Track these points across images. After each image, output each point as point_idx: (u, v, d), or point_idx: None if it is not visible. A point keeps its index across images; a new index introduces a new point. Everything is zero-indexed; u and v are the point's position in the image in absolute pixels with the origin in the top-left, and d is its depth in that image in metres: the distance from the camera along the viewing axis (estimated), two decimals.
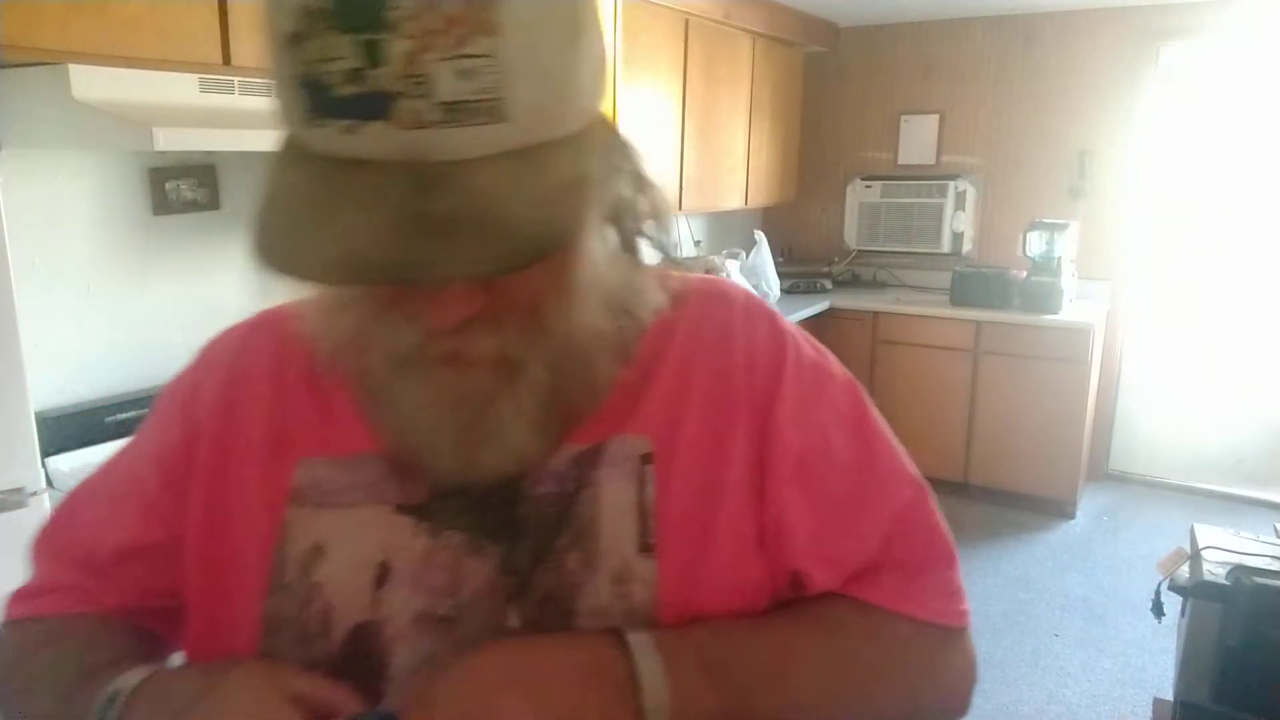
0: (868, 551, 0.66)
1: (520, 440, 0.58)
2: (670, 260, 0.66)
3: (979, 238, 4.57)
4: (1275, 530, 2.18)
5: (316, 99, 0.46)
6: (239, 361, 0.70)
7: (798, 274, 4.56)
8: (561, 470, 0.62)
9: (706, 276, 0.73)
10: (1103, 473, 4.50)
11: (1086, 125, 4.25)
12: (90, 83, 1.62)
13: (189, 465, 0.67)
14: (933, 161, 4.60)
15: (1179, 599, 2.06)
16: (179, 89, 1.76)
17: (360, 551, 0.61)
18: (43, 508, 1.53)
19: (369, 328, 0.57)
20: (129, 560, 0.69)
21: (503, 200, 0.47)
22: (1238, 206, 4.12)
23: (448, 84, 0.45)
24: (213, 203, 2.27)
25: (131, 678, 0.60)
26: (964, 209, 4.51)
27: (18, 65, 1.66)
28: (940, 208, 4.51)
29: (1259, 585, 1.85)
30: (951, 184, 4.49)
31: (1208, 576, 1.92)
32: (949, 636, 0.68)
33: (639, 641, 0.57)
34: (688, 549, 0.61)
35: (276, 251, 0.48)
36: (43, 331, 1.95)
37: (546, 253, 0.47)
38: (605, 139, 0.57)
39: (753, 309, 0.69)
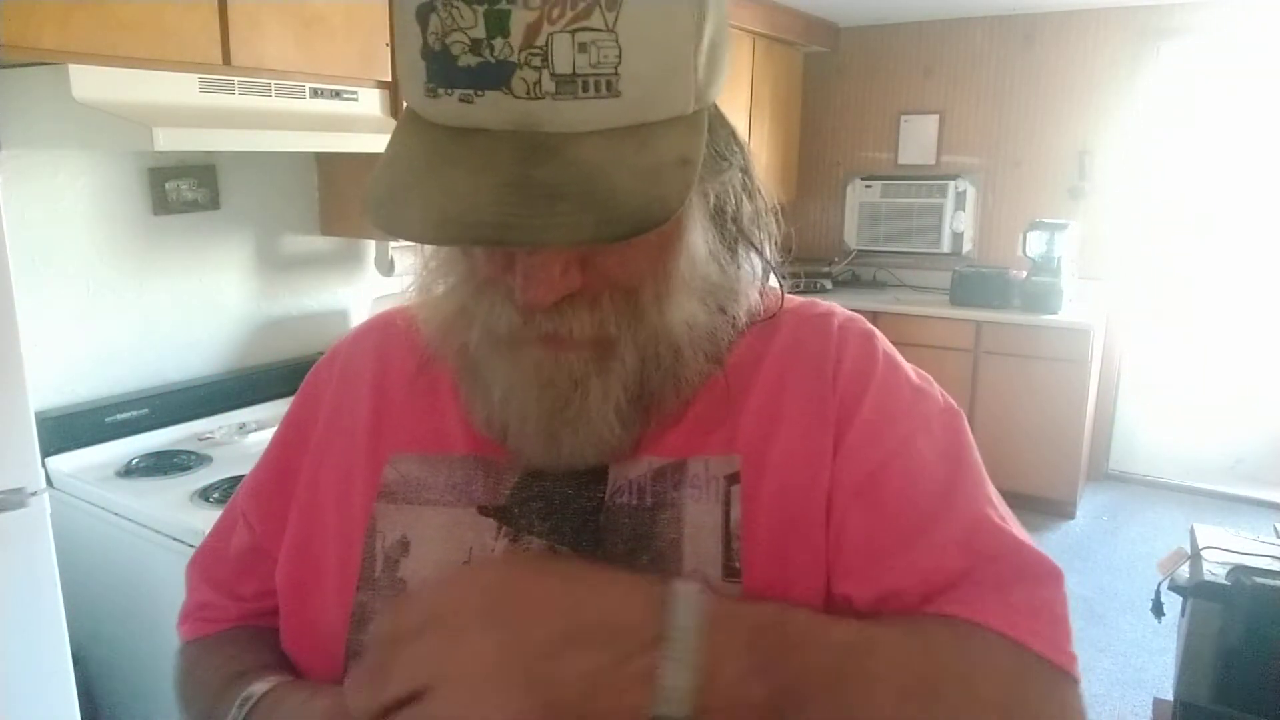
0: (941, 570, 0.57)
1: (603, 427, 0.58)
2: (766, 265, 0.65)
3: (979, 238, 4.57)
4: (1275, 530, 2.18)
5: (438, 70, 0.48)
6: (350, 362, 0.72)
7: (797, 274, 4.53)
8: (642, 482, 0.61)
9: (807, 299, 0.71)
10: (1103, 473, 4.49)
11: (1086, 125, 4.24)
12: (90, 83, 1.62)
13: (298, 464, 0.70)
14: (933, 161, 4.59)
15: (1179, 599, 2.06)
16: (179, 89, 1.76)
17: (444, 550, 0.62)
18: (43, 507, 1.53)
19: (470, 307, 0.57)
20: (247, 565, 0.73)
21: (608, 172, 0.48)
22: (1238, 207, 4.12)
23: (565, 56, 0.46)
24: (213, 203, 2.27)
25: (258, 687, 0.63)
26: (964, 209, 4.51)
27: (18, 65, 1.65)
28: (940, 208, 4.51)
29: (1259, 585, 1.85)
30: (951, 184, 4.49)
31: (1208, 576, 1.93)
32: (1055, 677, 0.55)
33: (686, 598, 0.49)
34: (772, 573, 0.58)
35: (386, 212, 0.49)
36: (43, 331, 1.95)
37: (647, 226, 0.47)
38: (717, 130, 0.57)
39: (848, 328, 0.67)
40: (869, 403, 0.62)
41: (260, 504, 0.73)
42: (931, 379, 0.68)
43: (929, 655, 0.53)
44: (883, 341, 0.67)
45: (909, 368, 0.67)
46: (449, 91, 0.48)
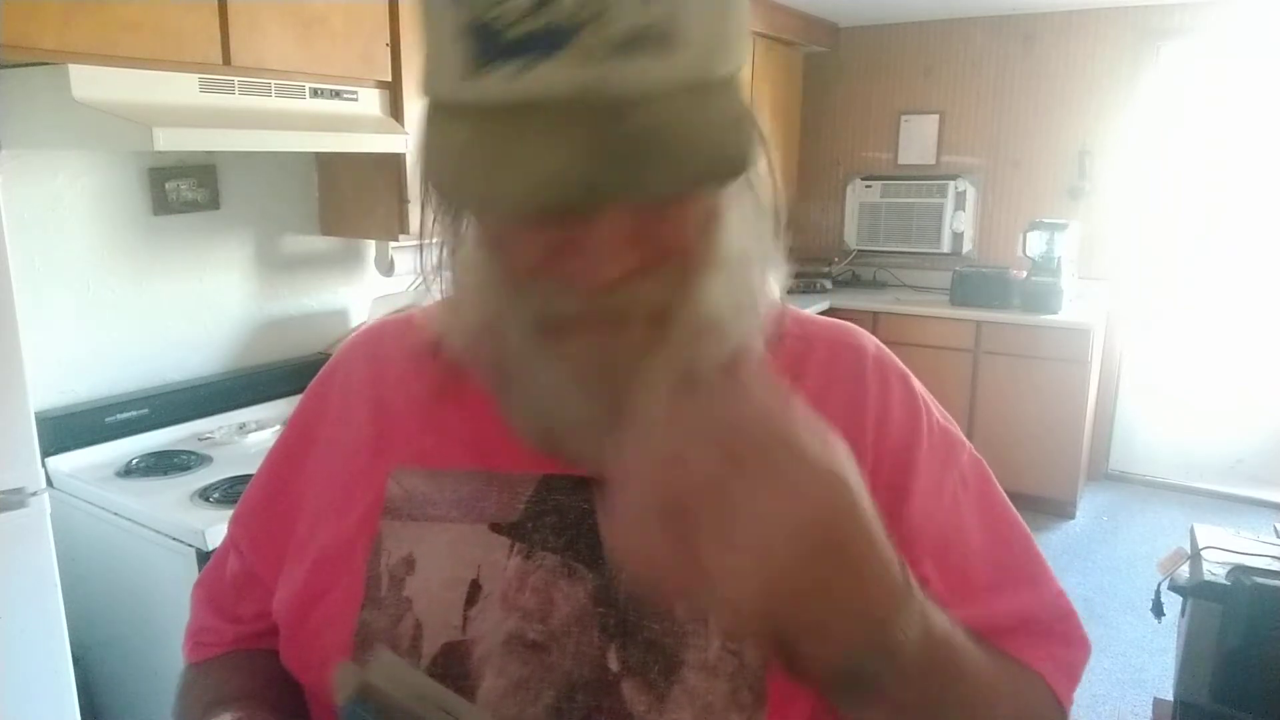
0: (1002, 624, 0.63)
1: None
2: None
3: (979, 238, 4.56)
4: (1275, 530, 2.18)
5: (482, 46, 0.45)
6: (349, 377, 0.71)
7: (797, 274, 4.52)
8: None
9: (835, 321, 0.70)
10: (1103, 473, 4.49)
11: (1086, 125, 4.24)
12: (90, 83, 1.62)
13: (292, 486, 0.69)
14: (933, 161, 4.59)
15: (1179, 599, 2.06)
16: (179, 89, 1.76)
17: (451, 568, 0.60)
18: (43, 507, 1.53)
19: (508, 306, 0.54)
20: (242, 588, 0.73)
21: (679, 129, 0.46)
22: (1238, 207, 4.12)
23: (630, 11, 0.44)
24: (213, 203, 2.27)
25: (222, 718, 0.61)
26: (964, 209, 4.51)
27: (18, 65, 1.66)
28: (940, 208, 4.50)
29: (1259, 585, 1.85)
30: (951, 184, 4.49)
31: (1208, 576, 1.93)
32: (1058, 713, 0.65)
33: (928, 602, 0.48)
34: None
35: (466, 192, 0.48)
36: (43, 331, 1.95)
37: (738, 172, 0.47)
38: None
39: (885, 365, 0.67)
40: (921, 462, 0.63)
41: (251, 530, 0.72)
42: (951, 418, 0.70)
43: (1015, 699, 0.61)
44: (916, 383, 0.68)
45: (936, 408, 0.68)
46: (499, 66, 0.45)
